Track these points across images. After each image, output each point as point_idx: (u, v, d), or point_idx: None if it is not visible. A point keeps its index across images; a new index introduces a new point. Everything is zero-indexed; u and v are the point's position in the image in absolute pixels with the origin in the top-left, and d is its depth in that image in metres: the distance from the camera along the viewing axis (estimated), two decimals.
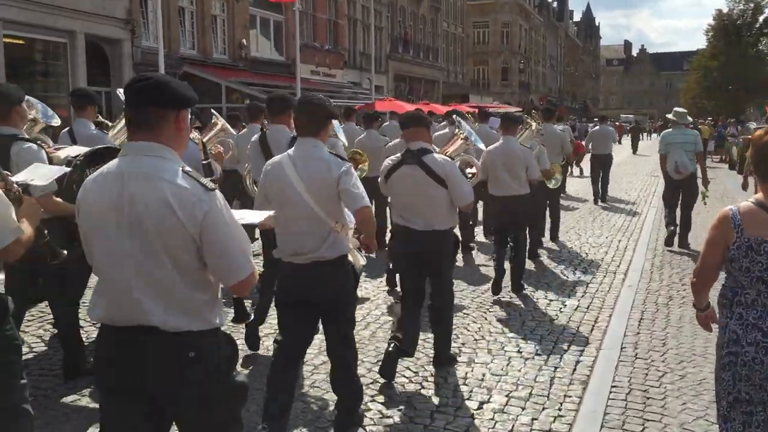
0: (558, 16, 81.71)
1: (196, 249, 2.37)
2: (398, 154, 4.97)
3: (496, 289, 7.24)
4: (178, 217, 2.31)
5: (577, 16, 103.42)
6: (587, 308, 6.99)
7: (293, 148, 3.87)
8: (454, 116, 7.61)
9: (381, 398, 4.71)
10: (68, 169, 3.80)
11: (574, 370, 5.29)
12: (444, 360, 5.19)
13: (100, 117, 6.36)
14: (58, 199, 4.03)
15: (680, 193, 9.84)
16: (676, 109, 10.37)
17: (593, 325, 6.43)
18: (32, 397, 3.39)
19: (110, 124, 6.31)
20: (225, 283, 2.46)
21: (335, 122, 5.04)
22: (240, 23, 25.17)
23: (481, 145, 6.23)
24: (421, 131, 4.86)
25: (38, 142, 4.46)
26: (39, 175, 3.51)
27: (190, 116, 2.54)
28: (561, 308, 6.98)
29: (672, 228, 9.92)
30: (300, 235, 3.76)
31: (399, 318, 5.02)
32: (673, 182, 9.80)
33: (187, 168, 2.42)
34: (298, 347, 4.00)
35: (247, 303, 6.34)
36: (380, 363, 4.91)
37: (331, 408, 4.43)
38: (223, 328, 2.58)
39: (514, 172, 7.16)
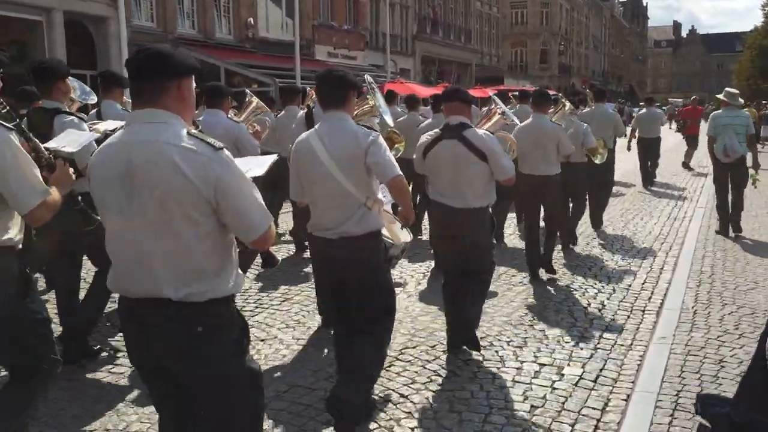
0: None
1: (212, 210, 2.36)
2: (436, 130, 4.87)
3: (533, 272, 7.05)
4: (190, 179, 2.29)
5: None
6: (635, 299, 6.44)
7: (320, 123, 3.80)
8: (490, 95, 7.63)
9: (402, 380, 4.55)
10: (97, 135, 3.73)
11: (622, 363, 4.93)
12: (472, 342, 4.96)
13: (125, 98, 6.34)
14: None
15: (729, 176, 9.39)
16: (727, 89, 9.75)
17: (641, 317, 5.94)
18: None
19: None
20: (245, 240, 2.47)
21: (381, 104, 4.88)
22: (246, 1, 23.35)
23: (517, 120, 6.10)
24: (462, 106, 4.75)
25: (78, 115, 4.57)
26: (69, 141, 3.50)
27: (194, 85, 2.52)
28: (608, 297, 6.43)
29: (723, 213, 9.48)
30: (329, 210, 3.72)
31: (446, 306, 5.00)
32: (721, 165, 9.35)
33: (193, 130, 2.41)
34: (347, 321, 3.92)
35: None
36: (407, 349, 4.97)
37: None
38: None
39: (544, 150, 6.86)
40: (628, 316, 6.00)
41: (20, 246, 3.01)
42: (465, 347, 4.98)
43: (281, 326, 5.70)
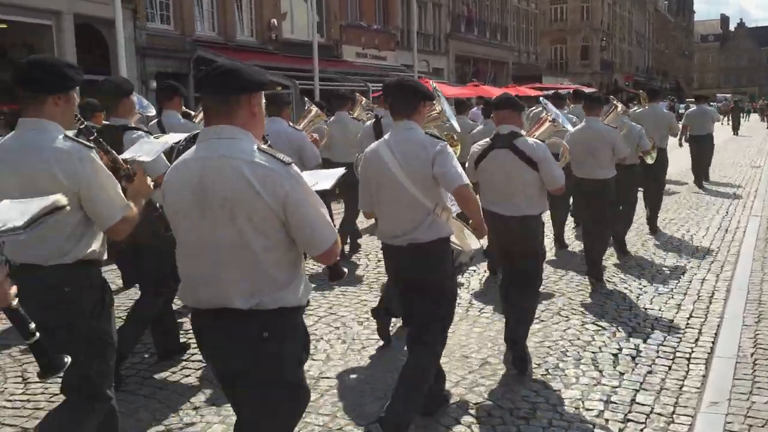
0: None
1: (281, 224, 2.41)
2: (486, 139, 4.90)
3: (596, 274, 6.86)
4: (260, 194, 2.35)
5: None
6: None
7: (389, 133, 3.87)
8: (541, 99, 7.38)
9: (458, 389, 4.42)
10: (172, 142, 3.70)
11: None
12: (523, 360, 4.71)
13: (184, 108, 6.44)
14: None
15: None
16: None
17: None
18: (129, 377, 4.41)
19: (193, 113, 6.46)
20: (311, 254, 2.51)
21: (447, 110, 4.88)
22: (269, 1, 22.53)
23: (569, 127, 5.97)
24: (512, 115, 4.76)
25: (145, 130, 4.70)
26: (145, 150, 3.54)
27: (264, 99, 2.57)
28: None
29: None
30: (398, 218, 3.77)
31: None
32: None
33: (263, 146, 2.46)
34: (415, 328, 3.92)
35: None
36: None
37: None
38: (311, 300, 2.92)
39: (598, 155, 6.79)
40: (670, 367, 4.84)
41: (103, 258, 3.07)
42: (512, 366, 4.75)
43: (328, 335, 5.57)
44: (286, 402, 2.55)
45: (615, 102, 7.91)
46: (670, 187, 12.96)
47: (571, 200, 8.57)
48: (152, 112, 5.76)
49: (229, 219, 2.39)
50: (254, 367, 2.48)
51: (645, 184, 9.08)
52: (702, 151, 14.31)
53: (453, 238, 3.90)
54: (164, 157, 3.96)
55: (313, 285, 2.94)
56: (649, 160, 8.40)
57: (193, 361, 4.94)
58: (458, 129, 5.54)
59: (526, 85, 26.36)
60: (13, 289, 1.97)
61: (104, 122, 4.70)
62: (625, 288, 6.85)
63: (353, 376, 4.78)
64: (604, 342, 5.34)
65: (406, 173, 3.67)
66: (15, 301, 1.98)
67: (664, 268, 7.61)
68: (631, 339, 5.39)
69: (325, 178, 2.94)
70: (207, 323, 2.52)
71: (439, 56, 34.38)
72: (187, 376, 4.76)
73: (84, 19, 16.41)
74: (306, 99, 7.45)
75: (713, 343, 5.29)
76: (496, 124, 4.86)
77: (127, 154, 3.48)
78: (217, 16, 20.75)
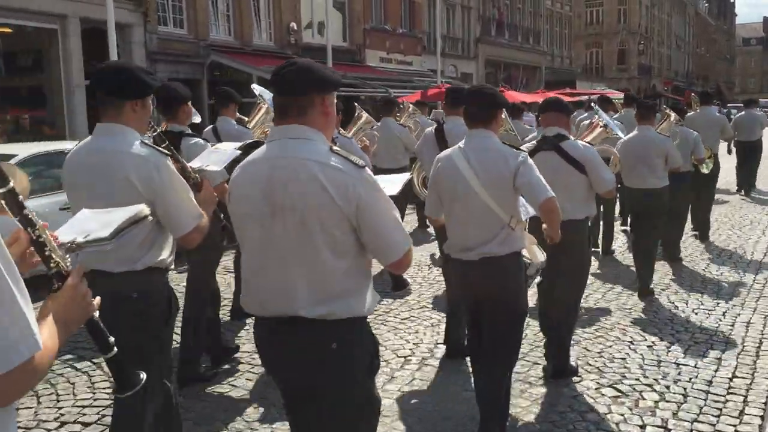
0: None
1: (352, 229, 2.32)
2: (533, 141, 4.86)
3: (644, 290, 6.66)
4: (333, 197, 2.26)
5: None
6: (749, 319, 5.93)
7: (464, 140, 3.75)
8: (592, 104, 7.39)
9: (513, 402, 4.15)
10: (239, 153, 3.59)
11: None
12: (565, 372, 4.71)
13: (238, 114, 6.41)
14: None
15: None
16: None
17: (761, 337, 5.45)
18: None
19: (246, 119, 6.36)
20: (383, 263, 2.44)
21: (506, 116, 4.74)
22: (289, 4, 21.83)
23: (621, 134, 5.87)
24: (560, 117, 4.66)
25: (203, 137, 4.91)
26: (213, 160, 3.55)
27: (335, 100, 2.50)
28: (721, 317, 5.97)
29: None
30: (472, 230, 3.65)
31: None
32: None
33: (335, 147, 2.37)
34: (486, 346, 3.82)
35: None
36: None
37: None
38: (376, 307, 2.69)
39: (650, 163, 6.66)
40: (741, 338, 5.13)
41: (171, 266, 3.08)
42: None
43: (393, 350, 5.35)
44: (359, 414, 2.44)
45: (668, 111, 7.74)
46: (720, 196, 12.26)
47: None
48: (198, 119, 5.68)
49: (300, 223, 2.29)
50: (324, 378, 2.37)
51: (696, 190, 8.66)
52: (750, 157, 13.85)
53: (524, 251, 3.81)
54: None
55: None
56: (704, 170, 8.22)
57: (242, 372, 4.93)
58: (519, 137, 5.26)
59: (556, 91, 25.20)
60: (96, 300, 1.78)
61: (165, 129, 4.66)
62: (678, 300, 6.64)
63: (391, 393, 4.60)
64: (699, 280, 6.53)
65: (482, 184, 3.55)
66: (96, 313, 1.80)
67: (718, 280, 7.35)
68: (721, 279, 6.58)
69: (390, 183, 2.73)
70: (272, 332, 2.43)
71: (468, 61, 33.37)
72: (235, 386, 4.72)
73: (91, 23, 15.83)
74: (357, 105, 7.21)
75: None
76: (543, 127, 4.80)
77: (195, 163, 3.45)
78: (234, 20, 20.06)
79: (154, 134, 3.23)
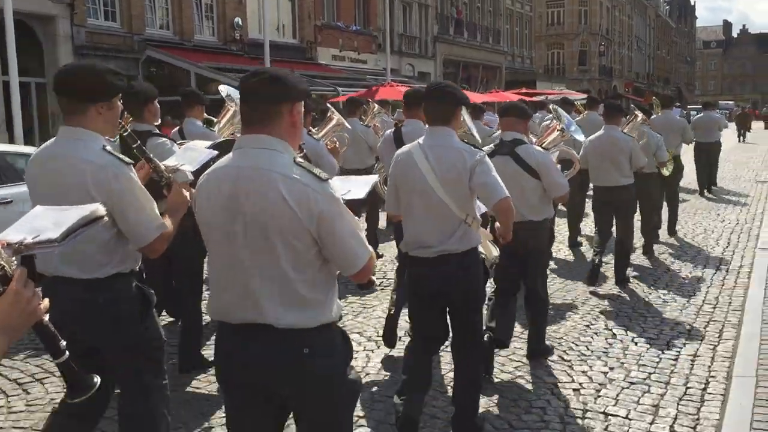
0: None
1: (313, 241, 2.33)
2: (491, 145, 4.90)
3: (592, 279, 6.91)
4: (293, 209, 2.27)
5: None
6: (730, 260, 7.00)
7: (424, 137, 3.74)
8: (551, 106, 7.14)
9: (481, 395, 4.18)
10: (215, 153, 3.51)
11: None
12: (538, 352, 5.03)
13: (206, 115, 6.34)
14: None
15: None
16: None
17: (738, 271, 6.58)
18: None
19: (215, 120, 6.19)
20: (345, 273, 2.43)
21: (467, 117, 4.54)
22: None
23: (580, 137, 5.91)
24: (518, 122, 4.74)
25: (170, 137, 5.01)
26: (188, 158, 3.49)
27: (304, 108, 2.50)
28: (682, 307, 6.27)
29: None
30: (429, 228, 3.65)
31: (492, 309, 4.89)
32: None
33: (299, 159, 2.38)
34: (433, 342, 3.95)
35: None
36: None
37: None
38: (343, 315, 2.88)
39: (616, 162, 6.80)
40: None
41: (138, 268, 3.03)
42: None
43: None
44: (338, 405, 2.52)
45: (636, 112, 7.87)
46: (682, 195, 12.49)
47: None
48: (157, 121, 5.54)
49: (261, 234, 2.29)
50: (301, 383, 2.41)
51: (661, 190, 9.03)
52: (709, 158, 14.09)
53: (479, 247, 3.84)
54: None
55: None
56: (665, 172, 8.34)
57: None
58: (479, 139, 5.23)
59: (513, 91, 24.71)
60: (45, 303, 1.70)
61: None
62: (675, 255, 7.68)
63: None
64: (666, 275, 6.77)
65: (440, 180, 3.54)
66: (46, 317, 1.74)
67: (701, 240, 8.43)
68: (685, 275, 6.96)
69: (358, 186, 2.77)
70: (239, 339, 2.39)
71: (426, 60, 32.65)
72: (198, 389, 4.60)
73: (16, 15, 14.71)
74: (329, 106, 7.12)
75: (747, 281, 6.60)
76: (502, 131, 4.87)
77: (170, 161, 3.41)
78: (172, 14, 19.03)
79: (125, 134, 3.18)
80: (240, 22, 20.87)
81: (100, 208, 1.98)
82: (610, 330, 5.66)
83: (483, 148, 4.70)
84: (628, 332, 5.59)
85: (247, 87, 2.36)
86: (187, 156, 3.53)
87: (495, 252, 4.04)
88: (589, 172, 7.05)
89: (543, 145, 5.07)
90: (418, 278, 3.81)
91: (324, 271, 2.39)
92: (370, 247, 2.48)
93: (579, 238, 9.03)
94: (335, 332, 2.47)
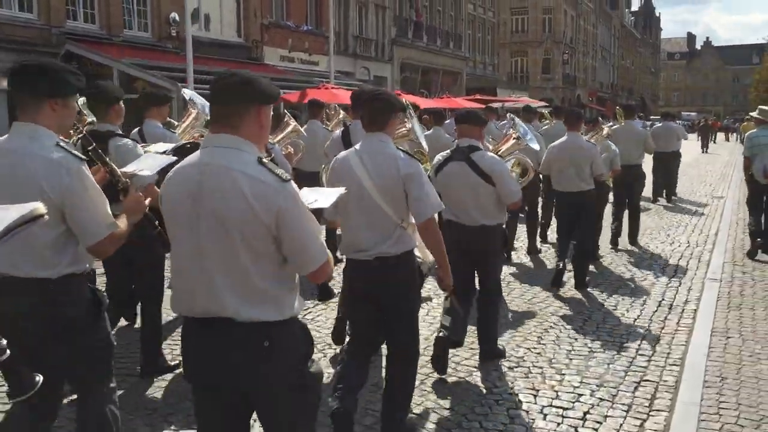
0: (611, 4, 73.90)
1: (273, 239, 2.39)
2: (448, 151, 4.97)
3: (557, 281, 6.99)
4: (254, 208, 2.34)
5: (635, 6, 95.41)
6: (674, 296, 6.58)
7: (360, 143, 3.79)
8: (508, 115, 7.65)
9: (434, 395, 4.52)
10: (175, 158, 3.51)
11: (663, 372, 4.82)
12: (491, 354, 5.08)
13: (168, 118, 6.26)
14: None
15: (764, 197, 8.89)
16: (761, 107, 9.38)
17: (683, 309, 6.12)
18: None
19: (176, 123, 6.32)
20: (301, 273, 2.51)
21: (417, 129, 4.90)
22: None
23: (535, 146, 5.87)
24: (473, 129, 4.83)
25: (133, 138, 4.90)
26: (147, 165, 3.54)
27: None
28: (648, 295, 6.67)
29: (758, 239, 8.78)
30: (365, 231, 3.67)
31: (446, 309, 4.75)
32: (758, 187, 8.80)
33: (264, 159, 2.45)
34: (367, 344, 3.94)
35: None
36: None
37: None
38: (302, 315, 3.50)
39: (579, 168, 6.94)
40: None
41: (88, 271, 3.00)
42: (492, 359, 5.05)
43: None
44: (300, 397, 2.55)
45: (602, 125, 7.94)
46: (642, 204, 12.46)
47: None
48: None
49: (223, 230, 2.36)
50: (262, 377, 2.45)
51: (623, 199, 9.32)
52: (667, 168, 14.32)
53: (415, 250, 3.86)
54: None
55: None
56: (609, 182, 8.47)
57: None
58: (426, 148, 5.25)
59: (463, 98, 23.81)
60: None
61: (91, 128, 4.57)
62: (633, 262, 7.97)
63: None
64: (621, 281, 6.89)
65: (375, 185, 3.57)
66: None
67: (659, 248, 8.85)
68: (642, 281, 7.00)
69: (326, 196, 2.85)
70: (201, 332, 2.46)
71: (383, 63, 31.57)
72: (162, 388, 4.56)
73: None
74: (286, 112, 7.24)
75: (701, 288, 6.76)
76: (458, 138, 4.95)
77: (128, 168, 3.44)
78: (99, 7, 17.63)
79: (80, 136, 3.27)
80: (177, 18, 19.47)
81: (40, 207, 1.96)
82: (567, 335, 5.57)
83: (441, 154, 4.92)
84: (585, 337, 5.55)
85: (218, 88, 2.44)
86: (147, 162, 3.57)
87: (431, 257, 3.99)
88: (551, 179, 7.32)
89: (499, 153, 5.10)
90: (354, 280, 3.82)
91: (284, 267, 2.45)
92: (329, 251, 2.51)
93: (540, 245, 9.11)
94: (295, 326, 2.52)
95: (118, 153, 4.21)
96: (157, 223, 3.36)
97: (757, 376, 4.70)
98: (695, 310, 6.32)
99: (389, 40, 31.99)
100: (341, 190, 3.05)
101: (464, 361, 5.02)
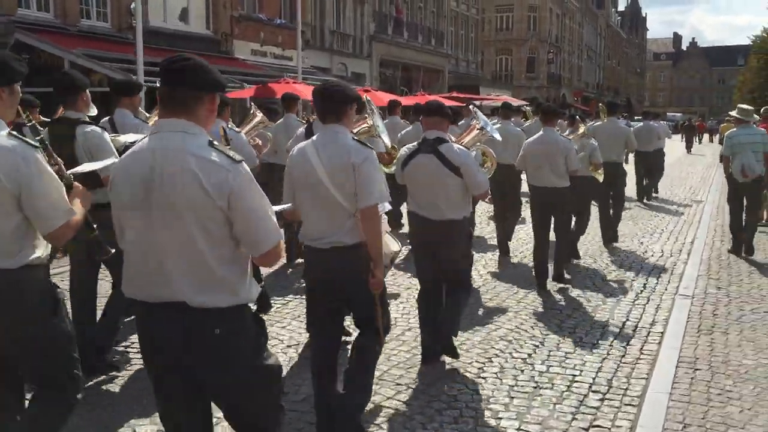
0: (598, 3, 73.47)
1: (225, 220, 2.41)
2: (414, 143, 4.97)
3: (541, 283, 6.97)
4: (206, 189, 2.36)
5: (621, 6, 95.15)
6: (640, 316, 6.07)
7: (317, 135, 3.82)
8: (470, 107, 7.38)
9: (406, 394, 4.37)
10: (117, 160, 3.54)
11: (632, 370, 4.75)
12: (448, 351, 4.98)
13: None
14: None
15: (744, 197, 8.92)
16: (740, 106, 9.42)
17: (648, 331, 5.63)
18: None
19: (148, 115, 6.38)
20: (253, 254, 2.50)
21: (380, 125, 4.68)
22: None
23: (498, 136, 5.74)
24: (439, 121, 4.83)
25: (100, 125, 4.83)
26: (90, 166, 3.65)
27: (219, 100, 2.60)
28: (611, 314, 6.12)
29: (737, 233, 8.94)
30: (321, 221, 3.70)
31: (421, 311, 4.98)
32: (737, 186, 8.85)
33: (215, 142, 2.47)
34: (328, 336, 3.90)
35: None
36: (408, 360, 4.96)
37: None
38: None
39: (554, 164, 6.95)
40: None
41: (47, 261, 3.00)
42: (444, 356, 4.97)
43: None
44: (254, 388, 2.55)
45: (579, 124, 7.87)
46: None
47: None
48: (94, 111, 5.16)
49: (176, 213, 2.36)
50: (215, 363, 2.45)
51: (606, 196, 9.26)
52: (648, 167, 14.31)
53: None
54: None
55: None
56: (599, 177, 8.31)
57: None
58: (389, 144, 5.16)
59: (439, 95, 23.09)
60: None
61: (61, 115, 4.68)
62: (612, 261, 7.87)
63: None
64: (601, 280, 6.95)
65: (329, 175, 3.58)
66: None
67: (638, 247, 8.82)
68: (619, 280, 7.08)
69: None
70: (154, 317, 2.46)
71: (361, 60, 30.80)
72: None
73: None
74: (252, 104, 7.06)
75: (677, 287, 6.82)
76: (425, 130, 4.90)
77: (75, 169, 3.42)
78: None
79: (28, 125, 3.23)
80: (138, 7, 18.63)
81: None
82: (512, 367, 5.06)
83: (407, 146, 4.95)
84: (533, 369, 4.99)
85: (169, 71, 2.45)
86: (89, 166, 3.68)
87: (394, 247, 4.06)
88: (527, 174, 7.35)
89: (464, 144, 5.11)
90: (311, 267, 3.87)
91: (237, 251, 2.46)
92: (282, 234, 2.54)
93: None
94: (248, 315, 2.54)
95: (86, 139, 4.33)
96: (95, 226, 3.43)
97: (725, 422, 4.00)
98: (662, 333, 5.62)
99: (368, 36, 31.22)
100: (287, 206, 3.40)
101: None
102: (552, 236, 7.16)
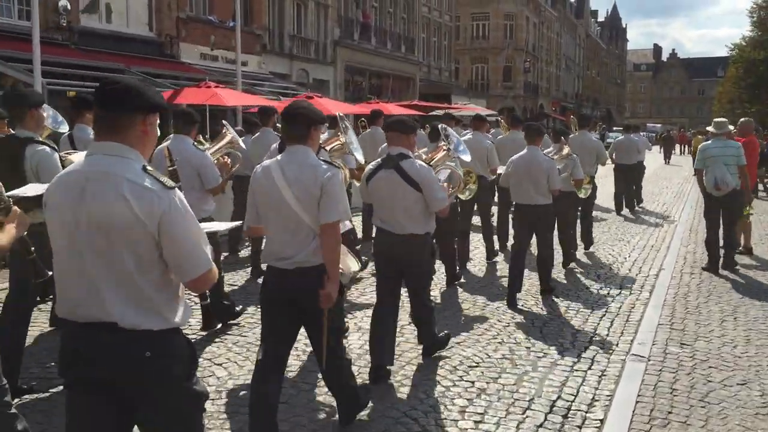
0: (577, 13, 72.73)
1: (156, 245, 2.40)
2: (378, 160, 5.07)
3: (511, 301, 6.93)
4: (136, 214, 2.35)
5: (601, 16, 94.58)
6: (610, 326, 6.09)
7: (282, 154, 3.84)
8: (440, 126, 6.72)
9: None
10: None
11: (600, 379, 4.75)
12: (435, 348, 5.29)
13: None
14: None
15: (721, 210, 8.67)
16: (716, 119, 9.17)
17: (618, 340, 5.63)
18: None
19: None
20: (182, 279, 2.48)
21: (353, 141, 5.02)
22: None
23: (466, 157, 5.78)
24: (402, 137, 4.90)
25: (51, 145, 4.70)
26: (32, 189, 3.66)
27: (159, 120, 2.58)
28: (580, 325, 6.07)
29: (713, 250, 8.64)
30: (285, 240, 3.71)
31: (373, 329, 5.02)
32: (713, 199, 8.65)
33: (149, 167, 2.45)
34: (280, 355, 3.90)
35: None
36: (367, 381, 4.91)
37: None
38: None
39: (536, 182, 7.06)
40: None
41: None
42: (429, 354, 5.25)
43: (235, 351, 5.33)
44: (185, 410, 2.54)
45: (565, 145, 7.99)
46: (598, 214, 12.64)
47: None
48: (65, 129, 5.43)
49: (106, 236, 2.36)
50: (143, 386, 2.43)
51: (575, 210, 9.29)
52: (628, 179, 14.30)
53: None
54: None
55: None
56: (582, 194, 8.45)
57: None
58: (362, 161, 5.31)
59: (396, 103, 21.78)
60: None
61: (9, 132, 4.62)
62: (586, 272, 8.05)
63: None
64: (575, 291, 7.19)
65: (294, 195, 3.62)
66: None
67: (613, 258, 8.93)
68: (592, 291, 7.19)
69: (220, 225, 2.98)
70: (83, 337, 2.42)
71: (324, 66, 29.40)
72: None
73: None
74: (224, 123, 6.66)
75: (648, 298, 6.93)
76: (388, 146, 4.99)
77: (12, 192, 3.46)
78: None
79: None
80: (68, 6, 17.12)
81: None
82: (515, 342, 5.27)
83: (372, 163, 5.05)
84: (528, 341, 5.28)
85: (102, 94, 2.43)
86: (30, 188, 3.71)
87: (353, 267, 4.09)
88: (510, 191, 7.41)
89: (431, 163, 5.15)
90: (274, 287, 3.82)
91: (168, 276, 2.43)
92: (213, 263, 2.49)
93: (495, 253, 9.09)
94: (179, 338, 2.50)
95: (36, 159, 4.27)
96: (33, 249, 3.35)
97: None
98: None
99: (332, 41, 29.83)
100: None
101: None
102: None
